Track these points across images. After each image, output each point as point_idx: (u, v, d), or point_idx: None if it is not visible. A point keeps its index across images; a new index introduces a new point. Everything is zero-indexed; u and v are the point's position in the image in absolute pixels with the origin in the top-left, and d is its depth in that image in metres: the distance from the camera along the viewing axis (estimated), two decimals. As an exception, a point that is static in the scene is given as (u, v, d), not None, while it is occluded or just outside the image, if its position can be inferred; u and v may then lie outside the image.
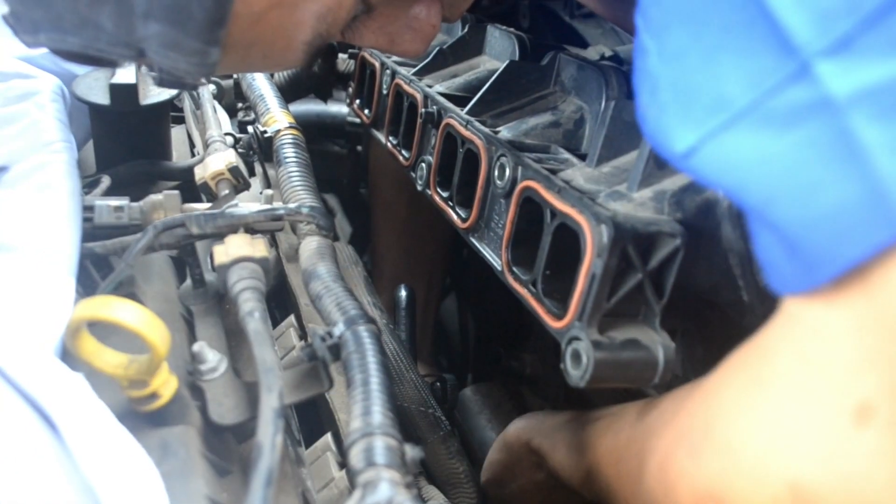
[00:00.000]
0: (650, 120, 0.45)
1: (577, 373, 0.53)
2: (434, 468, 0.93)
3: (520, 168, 0.64)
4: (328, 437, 0.77)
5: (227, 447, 0.62)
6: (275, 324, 0.91)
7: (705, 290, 0.58)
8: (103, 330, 0.54)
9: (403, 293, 1.07)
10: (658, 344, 0.54)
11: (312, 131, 1.60)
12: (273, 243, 1.14)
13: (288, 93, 1.34)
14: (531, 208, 0.62)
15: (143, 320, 0.51)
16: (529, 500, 0.83)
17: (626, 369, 0.54)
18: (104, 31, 0.51)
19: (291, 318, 0.90)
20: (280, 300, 1.04)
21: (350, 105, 1.15)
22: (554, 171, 0.62)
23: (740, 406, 0.41)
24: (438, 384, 1.05)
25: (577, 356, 0.53)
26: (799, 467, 0.37)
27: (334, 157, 1.66)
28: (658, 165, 0.58)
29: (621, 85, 0.71)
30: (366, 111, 1.07)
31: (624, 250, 0.52)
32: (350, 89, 1.16)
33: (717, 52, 0.39)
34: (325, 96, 1.40)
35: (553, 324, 0.56)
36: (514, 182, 0.64)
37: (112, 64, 0.58)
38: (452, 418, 1.10)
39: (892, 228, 0.32)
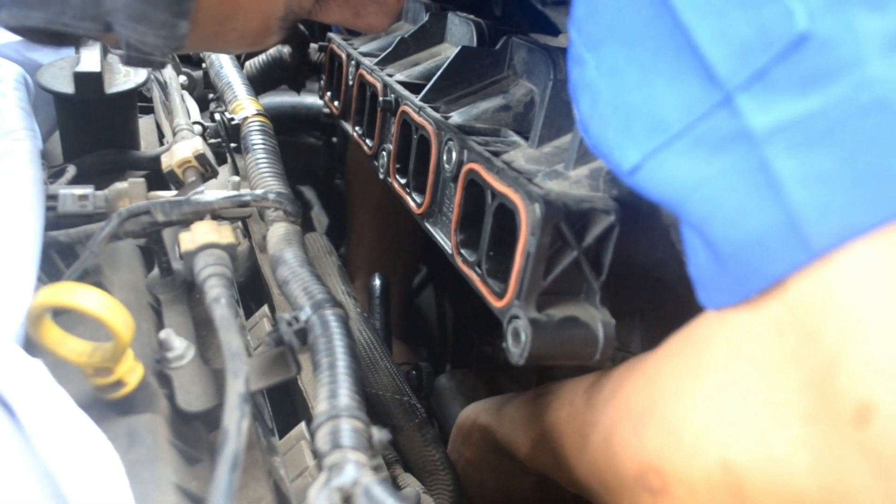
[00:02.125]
0: (593, 132, 0.47)
1: (516, 350, 0.54)
2: (410, 456, 0.93)
3: (465, 151, 0.64)
4: (302, 425, 0.76)
5: (197, 435, 0.61)
6: (249, 314, 0.90)
7: (651, 268, 0.59)
8: (68, 321, 0.53)
9: (378, 282, 1.07)
10: (598, 321, 0.54)
11: (287, 123, 1.59)
12: (246, 234, 1.13)
13: (260, 84, 1.33)
14: (478, 191, 0.62)
15: (106, 306, 0.50)
16: (480, 474, 0.88)
17: (566, 346, 0.54)
18: (70, 5, 0.50)
19: (265, 308, 0.89)
20: (254, 291, 1.04)
21: (322, 97, 1.17)
22: (497, 154, 0.62)
23: (679, 391, 0.44)
24: (414, 372, 1.05)
25: (516, 334, 0.54)
26: (729, 449, 0.40)
27: (309, 149, 1.65)
28: None
29: None
30: (335, 102, 1.09)
31: (557, 228, 0.52)
32: (322, 81, 1.17)
33: (652, 74, 0.41)
34: (298, 87, 1.39)
35: (495, 304, 0.57)
36: (459, 165, 0.65)
37: (76, 40, 0.57)
38: (429, 406, 1.10)
39: (806, 252, 0.35)
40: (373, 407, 0.93)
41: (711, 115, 0.38)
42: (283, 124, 1.58)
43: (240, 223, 1.16)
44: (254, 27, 0.57)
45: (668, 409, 0.45)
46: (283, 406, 0.88)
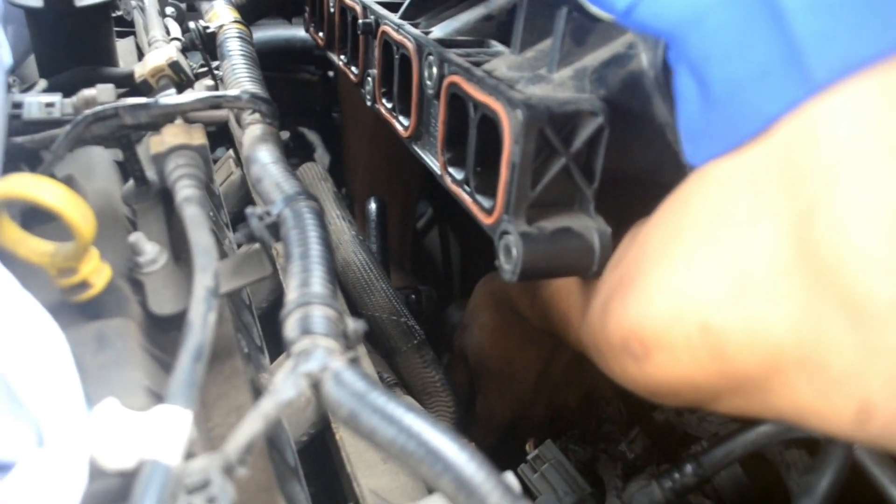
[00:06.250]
0: None
1: (508, 267, 0.50)
2: (409, 378, 0.91)
3: (445, 65, 0.60)
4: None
5: (173, 343, 0.59)
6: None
7: (648, 171, 0.55)
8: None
9: (373, 205, 1.04)
10: (593, 230, 0.51)
11: (282, 58, 1.55)
12: (238, 163, 1.10)
13: (250, 13, 1.29)
14: (462, 106, 0.59)
15: (63, 199, 0.47)
16: (487, 341, 0.92)
17: (560, 259, 0.51)
18: None
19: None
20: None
21: (307, 29, 1.12)
22: (478, 64, 0.58)
23: (660, 255, 0.43)
24: (413, 296, 1.03)
25: (507, 250, 0.50)
26: (707, 310, 0.39)
27: (306, 84, 1.61)
28: (576, 42, 0.54)
29: None
30: (320, 34, 1.04)
31: (542, 133, 0.48)
32: (307, 14, 1.12)
33: None
34: (289, 14, 1.34)
35: (485, 221, 0.54)
36: (441, 80, 0.61)
37: None
38: (437, 331, 1.07)
39: (806, 85, 0.34)
40: (370, 329, 0.91)
41: None
42: (277, 60, 1.53)
43: (232, 153, 1.13)
44: None
45: (649, 276, 0.43)
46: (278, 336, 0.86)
